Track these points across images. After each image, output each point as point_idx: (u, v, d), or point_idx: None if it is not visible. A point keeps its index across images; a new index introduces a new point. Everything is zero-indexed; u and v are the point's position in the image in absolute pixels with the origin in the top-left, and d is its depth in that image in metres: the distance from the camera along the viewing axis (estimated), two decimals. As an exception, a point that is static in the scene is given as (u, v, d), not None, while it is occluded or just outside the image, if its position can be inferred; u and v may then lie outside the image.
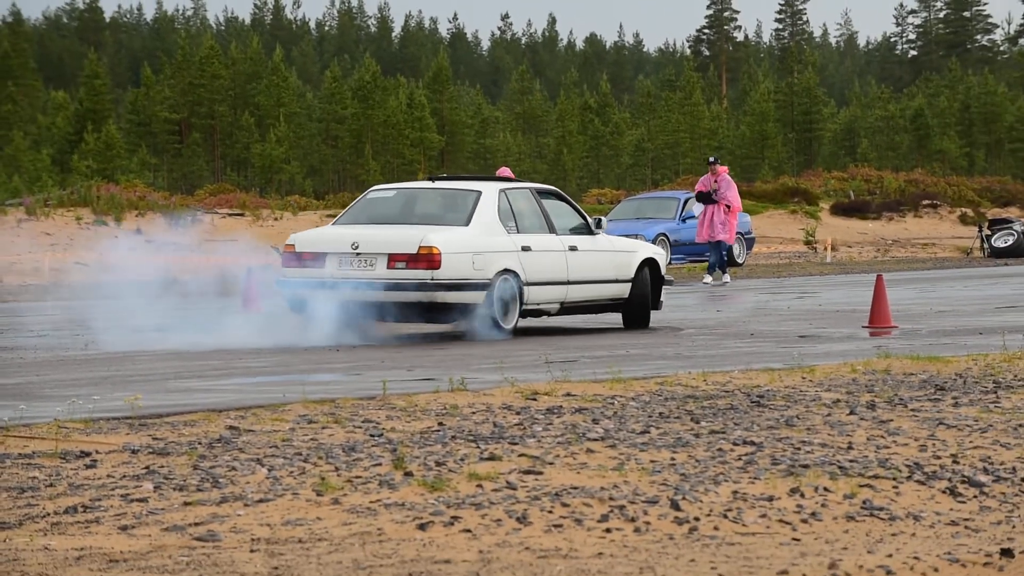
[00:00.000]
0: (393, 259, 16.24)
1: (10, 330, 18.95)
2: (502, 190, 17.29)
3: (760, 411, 9.50)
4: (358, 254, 16.37)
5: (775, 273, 33.36)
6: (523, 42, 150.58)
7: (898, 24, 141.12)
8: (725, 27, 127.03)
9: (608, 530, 6.64)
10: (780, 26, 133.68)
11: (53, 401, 10.62)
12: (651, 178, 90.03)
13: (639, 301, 18.05)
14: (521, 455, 7.97)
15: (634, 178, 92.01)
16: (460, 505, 6.94)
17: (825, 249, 43.68)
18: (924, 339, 15.34)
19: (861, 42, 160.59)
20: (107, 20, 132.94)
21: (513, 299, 16.72)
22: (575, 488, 7.24)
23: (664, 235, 35.12)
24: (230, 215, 45.06)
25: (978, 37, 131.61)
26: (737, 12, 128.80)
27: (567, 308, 17.61)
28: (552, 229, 17.50)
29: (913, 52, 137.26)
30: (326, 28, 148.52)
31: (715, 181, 28.45)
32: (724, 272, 28.99)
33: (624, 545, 6.43)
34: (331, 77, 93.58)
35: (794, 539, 6.58)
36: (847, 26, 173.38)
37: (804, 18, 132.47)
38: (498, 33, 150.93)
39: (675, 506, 6.94)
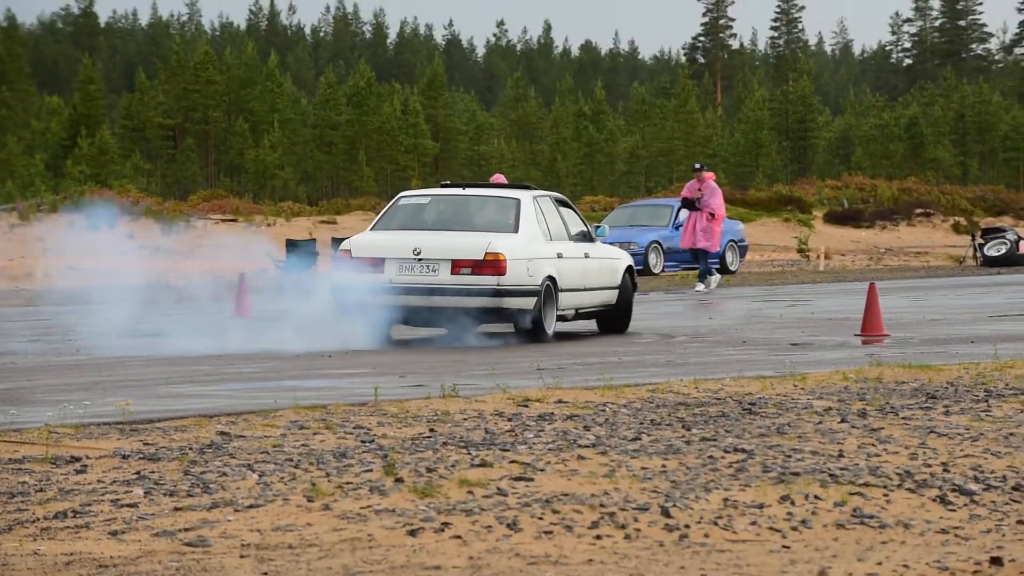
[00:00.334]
0: (457, 265, 16.53)
1: (1, 335, 18.93)
2: (535, 198, 17.63)
3: (751, 419, 9.50)
4: (419, 259, 16.58)
5: (768, 281, 33.38)
6: (518, 49, 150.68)
7: (893, 33, 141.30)
8: (720, 35, 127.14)
9: (598, 537, 6.64)
10: (775, 34, 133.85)
11: (44, 406, 10.61)
12: (645, 186, 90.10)
13: (624, 307, 18.55)
14: (512, 462, 7.97)
15: (628, 185, 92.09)
16: (451, 511, 6.93)
17: (818, 257, 43.70)
18: (916, 347, 15.35)
19: (856, 50, 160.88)
20: (102, 25, 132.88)
21: (551, 305, 17.09)
22: (566, 495, 7.24)
23: (657, 243, 35.14)
24: (223, 220, 45.07)
25: (973, 46, 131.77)
26: (732, 20, 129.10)
27: (580, 314, 17.99)
28: (571, 237, 17.90)
29: (908, 61, 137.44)
30: (321, 34, 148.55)
31: (699, 188, 28.39)
32: (704, 280, 28.92)
33: (614, 552, 6.43)
34: (326, 83, 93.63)
35: (784, 547, 6.58)
36: (842, 34, 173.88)
37: (799, 26, 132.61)
38: (493, 40, 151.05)
39: (665, 513, 6.94)
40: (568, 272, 17.36)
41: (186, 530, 6.70)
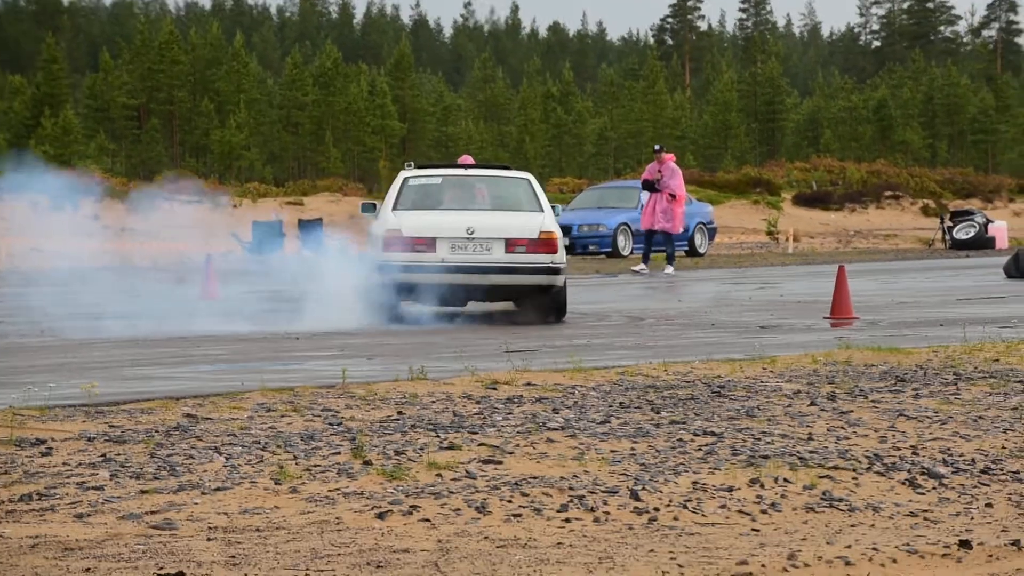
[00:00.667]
0: (512, 244, 17.04)
1: (-33, 316, 18.80)
2: (532, 179, 18.25)
3: (721, 401, 9.49)
4: (472, 238, 16.99)
5: (737, 263, 33.42)
6: (486, 30, 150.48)
7: (862, 15, 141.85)
8: (688, 16, 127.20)
9: (567, 520, 6.62)
10: (744, 15, 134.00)
11: (8, 388, 10.53)
12: (613, 167, 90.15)
13: (564, 287, 18.61)
14: (481, 444, 7.94)
15: (596, 167, 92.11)
16: (419, 494, 6.90)
17: (787, 240, 43.78)
18: (885, 330, 15.37)
19: (825, 32, 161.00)
20: (65, 4, 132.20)
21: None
22: (535, 478, 7.22)
23: (626, 224, 35.10)
24: (188, 203, 44.87)
25: (941, 28, 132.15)
26: (700, 1, 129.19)
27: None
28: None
29: (877, 43, 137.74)
30: (287, 14, 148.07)
31: (659, 170, 28.39)
32: (647, 263, 28.92)
33: (583, 535, 6.40)
34: (292, 64, 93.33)
35: (753, 530, 6.56)
36: (811, 16, 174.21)
37: (768, 7, 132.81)
38: (460, 20, 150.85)
39: (635, 496, 6.92)
40: (562, 251, 17.87)
41: (153, 513, 6.65)
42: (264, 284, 22.60)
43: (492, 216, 17.36)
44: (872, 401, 9.50)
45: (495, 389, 9.96)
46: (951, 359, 11.58)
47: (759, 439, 8.20)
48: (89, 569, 5.81)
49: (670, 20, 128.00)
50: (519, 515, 6.64)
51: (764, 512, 6.82)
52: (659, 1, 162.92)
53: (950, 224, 42.03)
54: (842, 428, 8.58)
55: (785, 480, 7.27)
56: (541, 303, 17.51)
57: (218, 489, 7.02)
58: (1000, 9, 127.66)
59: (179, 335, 15.73)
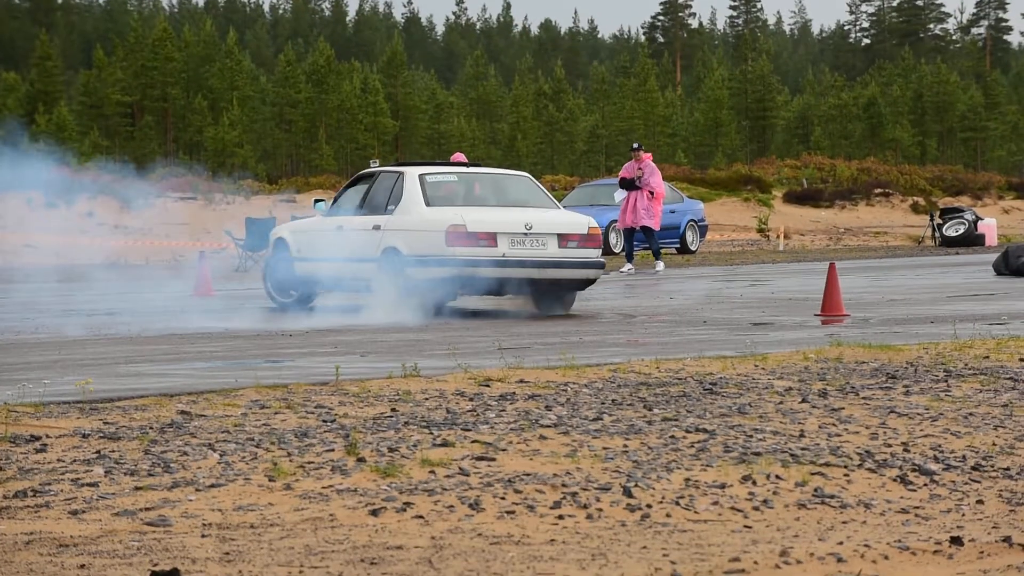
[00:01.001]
0: (565, 239, 17.87)
1: (-40, 313, 18.80)
2: None
3: (713, 398, 9.52)
4: (528, 234, 17.68)
5: (728, 261, 33.45)
6: (478, 27, 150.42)
7: (852, 12, 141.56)
8: (679, 14, 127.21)
9: (561, 516, 6.65)
10: (734, 13, 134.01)
11: (2, 385, 10.54)
12: (605, 165, 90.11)
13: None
14: (474, 441, 7.96)
15: (588, 164, 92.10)
16: (413, 491, 6.93)
17: (778, 237, 43.82)
18: (876, 327, 15.40)
19: (815, 30, 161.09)
20: (59, 1, 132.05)
21: None
22: (528, 475, 7.24)
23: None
24: (182, 199, 44.86)
25: (931, 26, 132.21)
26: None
27: None
28: None
29: (866, 40, 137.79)
30: (280, 11, 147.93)
31: (639, 168, 28.45)
32: (631, 261, 28.96)
33: (576, 532, 6.43)
34: (285, 61, 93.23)
35: (746, 526, 6.59)
36: (801, 14, 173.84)
37: (758, 6, 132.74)
38: (453, 18, 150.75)
39: (627, 493, 6.95)
40: None
41: (147, 509, 6.67)
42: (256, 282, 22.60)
43: (543, 212, 18.14)
44: (863, 398, 9.53)
45: (488, 386, 9.99)
46: (942, 356, 11.61)
47: (751, 436, 8.24)
48: (84, 565, 5.84)
49: (661, 18, 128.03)
50: (512, 512, 6.67)
51: (756, 509, 6.85)
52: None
53: (940, 221, 42.08)
54: (833, 425, 8.61)
55: (777, 477, 7.30)
56: (567, 296, 18.36)
57: (212, 486, 7.04)
58: (989, 7, 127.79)
59: (173, 332, 15.74)
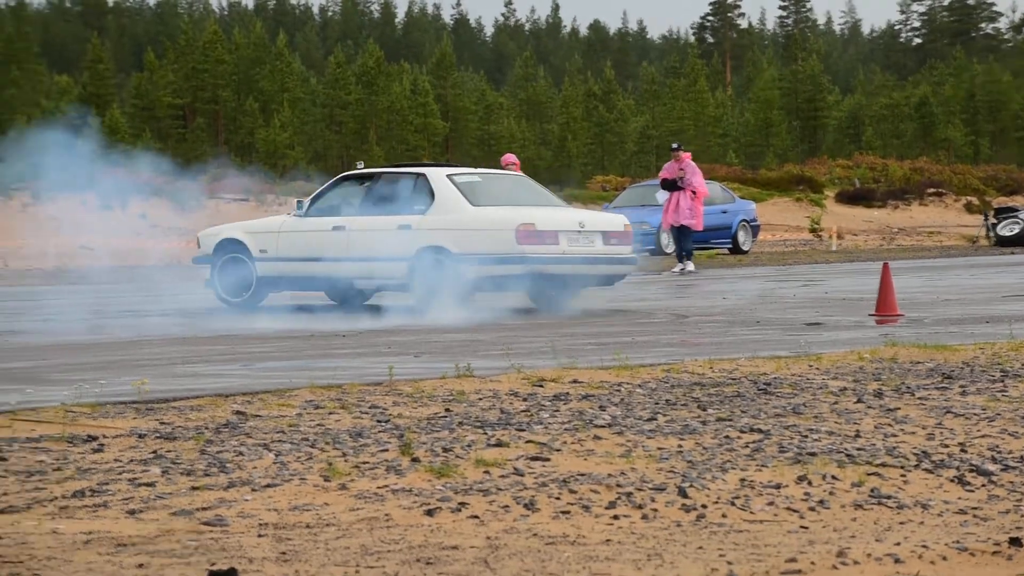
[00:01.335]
0: (609, 236, 18.63)
1: (16, 314, 18.95)
2: None
3: (767, 399, 9.49)
4: (582, 231, 18.40)
5: (781, 261, 33.35)
6: (527, 28, 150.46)
7: (902, 12, 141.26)
8: (729, 14, 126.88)
9: (616, 517, 6.63)
10: (784, 13, 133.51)
11: (60, 385, 10.61)
12: (656, 165, 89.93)
13: None
14: (528, 441, 7.96)
15: (639, 165, 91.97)
16: (467, 491, 6.93)
17: (831, 237, 43.66)
18: (931, 327, 15.32)
19: (865, 30, 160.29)
20: (110, 4, 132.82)
21: None
22: (582, 475, 7.24)
23: (670, 222, 34.95)
24: (235, 200, 45.06)
25: (983, 25, 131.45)
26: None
27: None
28: None
29: (918, 40, 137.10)
30: (329, 14, 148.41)
31: (680, 168, 28.39)
32: (690, 260, 28.88)
33: (632, 532, 6.42)
34: (335, 63, 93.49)
35: (802, 527, 6.57)
36: (851, 14, 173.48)
37: (808, 5, 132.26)
38: (502, 19, 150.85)
39: (682, 493, 6.93)
40: None
41: (204, 509, 6.70)
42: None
43: (586, 211, 19.29)
44: (919, 398, 9.48)
45: (542, 386, 9.99)
46: (998, 356, 11.54)
47: (806, 436, 8.20)
48: (142, 565, 5.86)
49: (711, 18, 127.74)
50: (567, 512, 6.66)
51: (812, 509, 6.82)
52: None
53: (994, 221, 41.82)
54: (889, 425, 8.57)
55: (833, 477, 7.27)
56: (576, 294, 18.94)
57: (268, 486, 7.06)
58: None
59: (227, 333, 15.81)
